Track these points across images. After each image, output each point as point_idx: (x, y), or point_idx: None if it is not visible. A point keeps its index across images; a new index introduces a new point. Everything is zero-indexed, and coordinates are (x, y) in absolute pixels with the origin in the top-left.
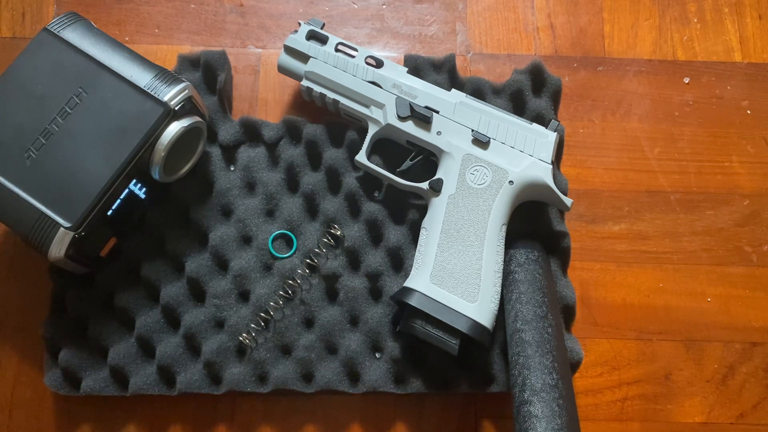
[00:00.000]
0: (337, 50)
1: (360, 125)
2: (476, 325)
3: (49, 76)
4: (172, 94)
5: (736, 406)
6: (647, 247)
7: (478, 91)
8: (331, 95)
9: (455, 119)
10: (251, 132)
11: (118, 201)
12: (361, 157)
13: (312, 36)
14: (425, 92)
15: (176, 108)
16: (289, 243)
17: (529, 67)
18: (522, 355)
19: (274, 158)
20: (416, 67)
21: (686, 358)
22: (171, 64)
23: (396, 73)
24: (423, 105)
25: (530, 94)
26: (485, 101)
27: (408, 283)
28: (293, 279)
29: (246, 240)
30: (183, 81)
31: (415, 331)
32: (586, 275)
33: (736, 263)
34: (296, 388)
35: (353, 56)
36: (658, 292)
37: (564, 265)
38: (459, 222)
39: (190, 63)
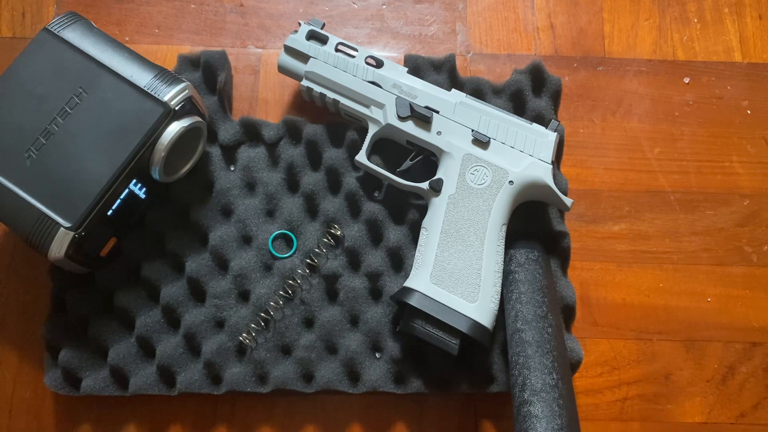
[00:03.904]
0: (337, 50)
1: (360, 125)
2: (476, 325)
3: (49, 76)
4: (172, 94)
5: (736, 406)
6: (647, 247)
7: (478, 91)
8: (331, 95)
9: (455, 119)
10: (251, 132)
11: (118, 201)
12: (361, 157)
13: (312, 36)
14: (425, 92)
15: (176, 108)
16: (289, 243)
17: (529, 67)
18: (522, 355)
19: (274, 158)
20: (416, 67)
21: (686, 358)
22: (171, 64)
23: (396, 73)
24: (423, 105)
25: (530, 94)
26: (485, 101)
27: (408, 283)
28: (293, 279)
29: (246, 240)
30: (183, 81)
31: (415, 331)
32: (586, 275)
33: (736, 263)
34: (296, 388)
35: (353, 56)
36: (658, 292)
37: (564, 265)
38: (459, 222)
39: (190, 63)
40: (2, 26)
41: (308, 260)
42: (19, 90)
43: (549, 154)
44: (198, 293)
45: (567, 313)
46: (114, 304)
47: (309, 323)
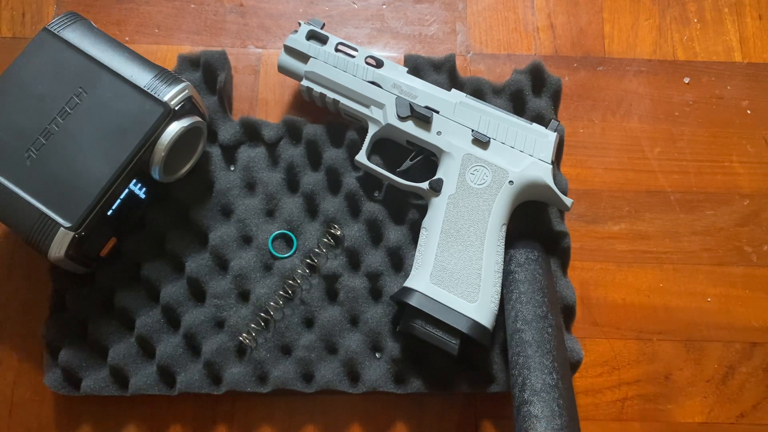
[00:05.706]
0: (337, 50)
1: (360, 125)
2: (476, 325)
3: (49, 76)
4: (172, 94)
5: (736, 406)
6: (647, 247)
7: (478, 91)
8: (331, 95)
9: (455, 119)
10: (251, 132)
11: (118, 201)
12: (361, 157)
13: (312, 36)
14: (425, 92)
15: (176, 108)
16: (289, 243)
17: (529, 67)
18: (522, 355)
19: (274, 158)
20: (416, 67)
21: (686, 358)
22: (171, 64)
23: (396, 73)
24: (423, 105)
25: (530, 94)
26: (485, 101)
27: (408, 283)
28: (293, 279)
29: (246, 240)
30: (183, 81)
31: (415, 331)
32: (586, 275)
33: (736, 263)
34: (296, 388)
35: (353, 56)
36: (658, 292)
37: (564, 265)
38: (459, 222)
39: (190, 63)
40: (2, 26)
41: (308, 260)
42: (19, 90)
43: (549, 154)
44: (198, 293)
45: (567, 313)
46: (114, 304)
47: (309, 323)
